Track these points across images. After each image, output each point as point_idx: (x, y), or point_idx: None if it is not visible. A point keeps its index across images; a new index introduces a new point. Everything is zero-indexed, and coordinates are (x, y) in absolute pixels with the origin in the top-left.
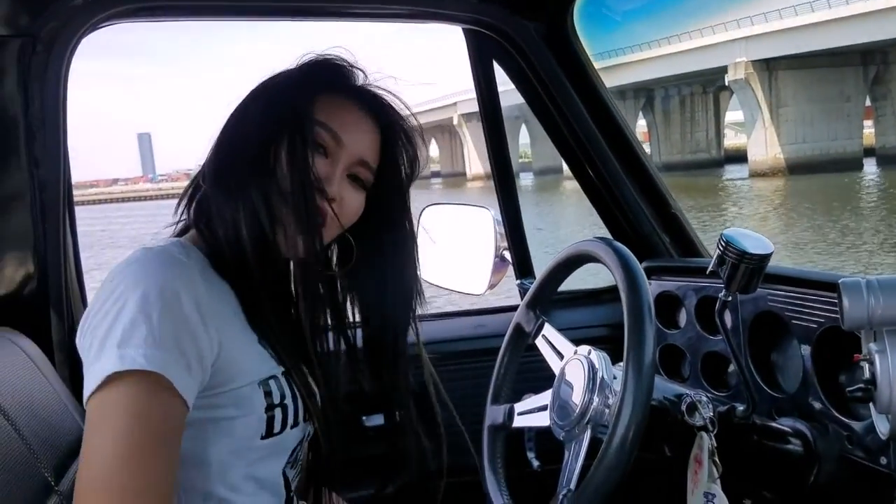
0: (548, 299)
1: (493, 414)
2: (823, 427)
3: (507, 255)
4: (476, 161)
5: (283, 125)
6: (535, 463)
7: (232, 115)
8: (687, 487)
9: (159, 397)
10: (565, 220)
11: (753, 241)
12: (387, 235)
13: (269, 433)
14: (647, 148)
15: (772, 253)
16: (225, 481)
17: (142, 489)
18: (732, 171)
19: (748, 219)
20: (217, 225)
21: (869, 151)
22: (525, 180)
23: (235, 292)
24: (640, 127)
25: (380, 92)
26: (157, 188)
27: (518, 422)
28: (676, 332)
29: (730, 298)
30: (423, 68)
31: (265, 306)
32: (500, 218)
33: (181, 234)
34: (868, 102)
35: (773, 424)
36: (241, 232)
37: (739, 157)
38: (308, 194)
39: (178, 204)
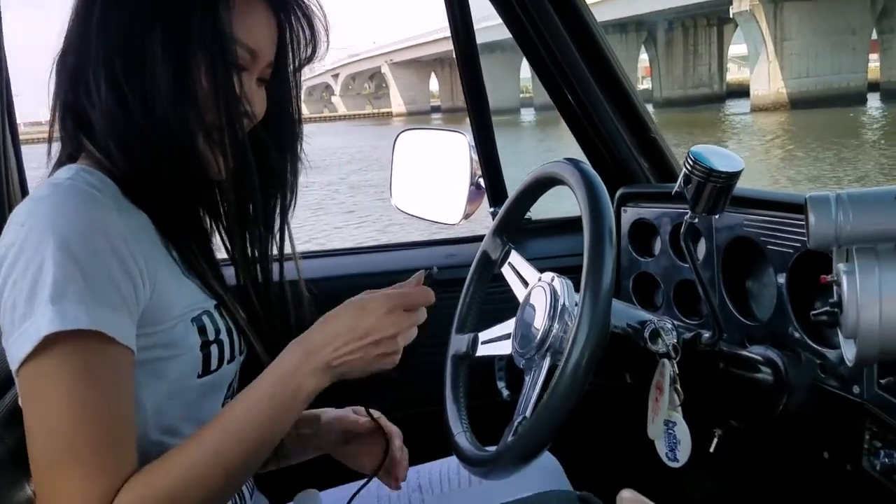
0: (515, 226)
1: (457, 343)
2: (796, 355)
3: (483, 182)
4: None
5: (200, 43)
6: (505, 392)
7: (114, 11)
8: (648, 415)
9: (106, 354)
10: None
11: (722, 157)
12: (277, 126)
13: (206, 371)
14: (648, 83)
15: (741, 170)
16: (161, 425)
17: (108, 445)
18: (734, 106)
19: (745, 153)
20: (124, 147)
21: (873, 86)
22: (526, 116)
23: (154, 221)
24: (643, 61)
25: None
26: (23, 132)
27: (481, 350)
28: (650, 260)
29: (696, 220)
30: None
31: (190, 233)
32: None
33: (69, 160)
34: (874, 35)
35: (743, 353)
36: (157, 153)
37: (742, 91)
38: (238, 122)
39: (55, 126)
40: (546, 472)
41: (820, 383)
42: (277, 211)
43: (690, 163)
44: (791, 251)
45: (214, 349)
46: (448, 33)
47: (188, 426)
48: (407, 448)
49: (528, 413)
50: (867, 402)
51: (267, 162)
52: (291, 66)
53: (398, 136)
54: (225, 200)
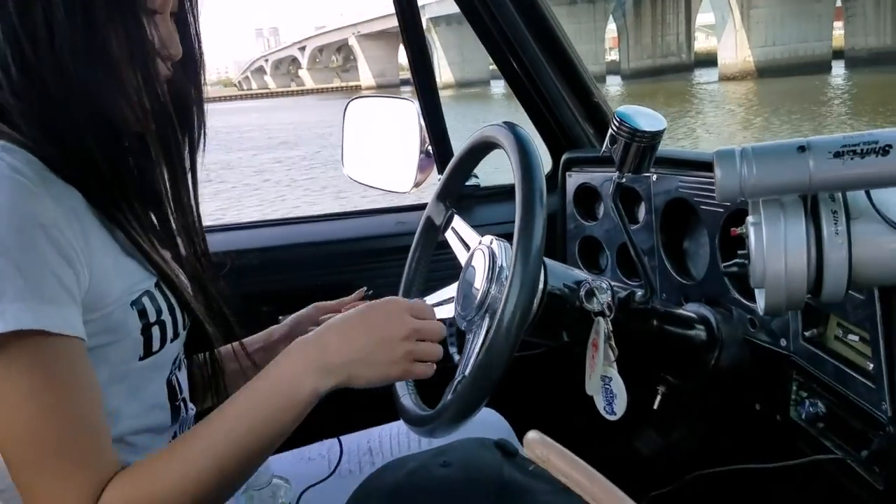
0: (457, 190)
1: None
2: (728, 312)
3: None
4: (447, 69)
5: None
6: (457, 357)
7: None
8: (586, 372)
9: (56, 349)
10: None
11: (647, 117)
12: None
13: (148, 353)
14: (616, 54)
15: (664, 129)
16: (105, 407)
17: (76, 442)
18: (702, 75)
19: (712, 122)
20: (43, 125)
21: (838, 53)
22: (497, 88)
23: (87, 196)
24: (610, 32)
25: None
26: None
27: None
28: (594, 223)
29: (623, 180)
30: None
31: (127, 205)
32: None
33: None
34: (839, 3)
35: (677, 310)
36: (79, 123)
37: (710, 60)
38: (154, 70)
39: None
40: (495, 432)
41: (750, 338)
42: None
43: (616, 123)
44: (722, 210)
45: (156, 330)
46: (421, 2)
47: (130, 407)
48: (358, 413)
49: (466, 372)
50: (793, 355)
51: (182, 100)
52: None
53: (348, 103)
54: (154, 152)
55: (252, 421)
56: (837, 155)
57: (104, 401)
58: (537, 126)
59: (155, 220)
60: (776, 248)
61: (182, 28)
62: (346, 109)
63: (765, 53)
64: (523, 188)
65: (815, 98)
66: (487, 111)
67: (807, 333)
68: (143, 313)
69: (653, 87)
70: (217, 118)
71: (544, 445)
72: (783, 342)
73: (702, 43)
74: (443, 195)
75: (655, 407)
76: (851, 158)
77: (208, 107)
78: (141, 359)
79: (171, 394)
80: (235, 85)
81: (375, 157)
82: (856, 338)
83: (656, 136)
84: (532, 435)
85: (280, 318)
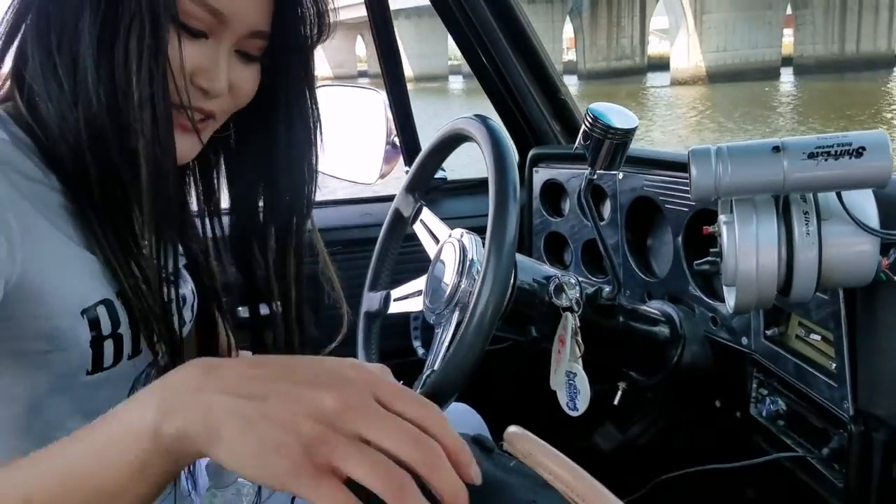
0: (426, 182)
1: (370, 300)
2: (690, 310)
3: (398, 141)
4: (405, 62)
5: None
6: (421, 351)
7: None
8: (551, 367)
9: None
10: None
11: (619, 115)
12: (284, 110)
13: (98, 368)
14: (573, 55)
15: (636, 127)
16: (42, 419)
17: None
18: (655, 79)
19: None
20: (42, 103)
21: (787, 60)
22: (455, 83)
23: (67, 190)
24: (567, 33)
25: None
26: None
27: (394, 308)
28: (560, 220)
29: (594, 177)
30: None
31: (108, 209)
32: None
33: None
34: (789, 11)
35: (642, 307)
36: (77, 121)
37: (662, 64)
38: (161, 90)
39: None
40: (469, 427)
41: (712, 335)
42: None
43: (590, 120)
44: (686, 209)
45: (109, 345)
46: None
47: (76, 421)
48: None
49: (436, 367)
50: (754, 353)
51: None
52: (295, 45)
53: None
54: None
55: (71, 462)
56: (811, 156)
57: (43, 411)
58: (505, 121)
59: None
60: (748, 247)
61: (281, 78)
62: None
63: (716, 59)
64: (497, 181)
65: (765, 103)
66: (447, 106)
67: (768, 332)
68: (94, 324)
69: (608, 88)
70: None
71: (526, 440)
72: (744, 340)
73: (655, 47)
74: (411, 187)
75: (616, 402)
76: (825, 160)
77: None
78: (89, 373)
79: None
80: None
81: (340, 148)
82: (818, 337)
83: (629, 133)
84: (513, 429)
85: (238, 309)
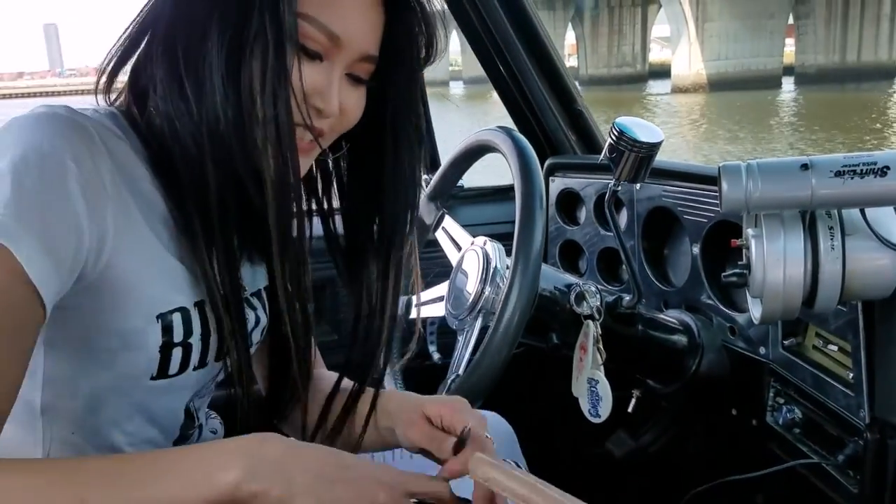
0: (448, 191)
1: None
2: (708, 319)
3: None
4: None
5: (256, 14)
6: (437, 356)
7: None
8: (573, 374)
9: (6, 278)
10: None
11: (645, 129)
12: (391, 132)
13: (163, 374)
14: (574, 61)
15: (661, 141)
16: (100, 415)
17: None
18: (656, 86)
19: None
20: (162, 118)
21: (788, 70)
22: (455, 89)
23: (171, 197)
24: (569, 39)
25: None
26: (65, 83)
27: (415, 313)
28: (576, 228)
29: (619, 188)
30: None
31: (216, 223)
32: None
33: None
34: (791, 20)
35: (660, 316)
36: (202, 136)
37: (663, 72)
38: (285, 110)
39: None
40: (495, 434)
41: (729, 345)
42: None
43: (616, 134)
44: (705, 220)
45: (178, 352)
46: None
47: (132, 422)
48: None
49: (460, 372)
50: (772, 362)
51: (365, 182)
52: (403, 69)
53: None
54: (263, 201)
55: (140, 480)
56: (838, 174)
57: (101, 407)
58: (522, 130)
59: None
60: (776, 260)
61: (392, 101)
62: None
63: (717, 67)
64: (524, 192)
65: (772, 112)
66: (446, 110)
67: (786, 342)
68: (167, 330)
69: (609, 94)
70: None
71: (487, 465)
72: (762, 350)
73: (656, 54)
74: (434, 195)
75: (630, 410)
76: (851, 178)
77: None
78: (153, 378)
79: (186, 422)
80: None
81: None
82: (835, 347)
83: (654, 147)
84: (478, 455)
85: None
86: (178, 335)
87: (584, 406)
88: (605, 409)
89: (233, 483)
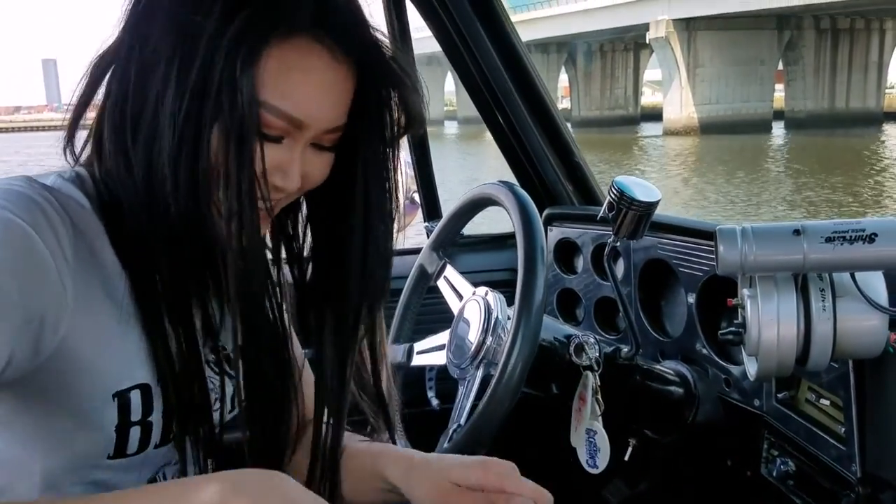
0: (450, 241)
1: (393, 352)
2: (704, 370)
3: (417, 197)
4: None
5: (213, 102)
6: (435, 402)
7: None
8: (571, 424)
9: None
10: (487, 168)
11: (642, 188)
12: (362, 195)
13: (121, 454)
14: (567, 103)
15: (659, 200)
16: (60, 492)
17: None
18: (647, 129)
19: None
20: (113, 188)
21: (778, 114)
22: (450, 129)
23: (129, 269)
24: (562, 82)
25: (350, 21)
26: (61, 118)
27: (417, 360)
28: (573, 277)
29: (618, 244)
30: None
31: (175, 295)
32: (410, 160)
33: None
34: (780, 66)
35: (657, 367)
36: (146, 216)
37: (655, 115)
38: (249, 200)
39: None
40: None
41: (725, 396)
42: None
43: (615, 192)
44: (700, 274)
45: (136, 432)
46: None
47: (94, 490)
48: None
49: (462, 421)
50: (766, 415)
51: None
52: (379, 138)
53: None
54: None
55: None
56: (829, 240)
57: (57, 484)
58: (520, 180)
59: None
60: (770, 320)
61: (360, 170)
62: None
63: (708, 111)
64: (526, 246)
65: (767, 156)
66: (442, 151)
67: (779, 395)
68: (124, 408)
69: (602, 137)
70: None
71: None
72: (756, 402)
73: (648, 98)
74: (436, 245)
75: (626, 458)
76: (841, 244)
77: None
78: (110, 457)
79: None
80: None
81: None
82: (827, 402)
83: (651, 206)
84: None
85: None
86: (136, 414)
87: (582, 456)
88: (603, 460)
89: (218, 498)
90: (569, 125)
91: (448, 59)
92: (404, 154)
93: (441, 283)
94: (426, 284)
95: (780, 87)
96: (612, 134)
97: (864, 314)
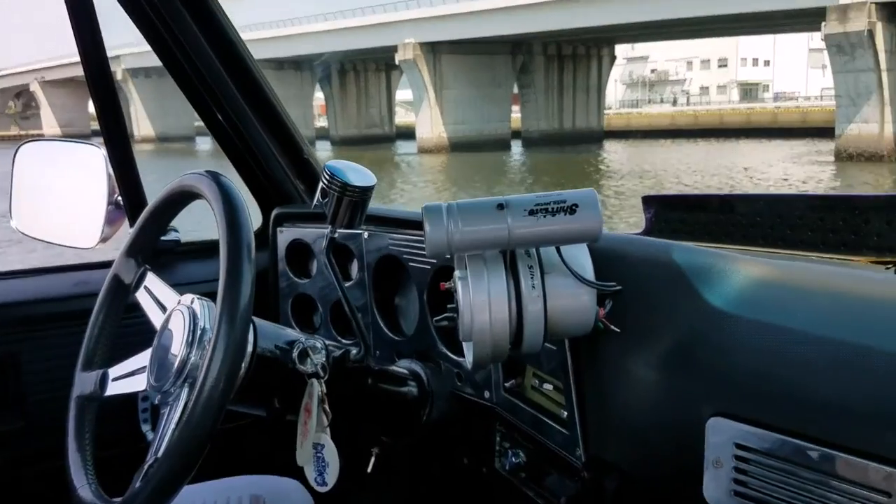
0: (151, 245)
1: (82, 382)
2: (437, 366)
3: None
4: (146, 120)
5: None
6: (150, 435)
7: None
8: (297, 440)
9: None
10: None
11: (357, 172)
12: None
13: None
14: (324, 121)
15: (374, 185)
16: None
17: None
18: (403, 147)
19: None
20: None
21: (516, 134)
22: (203, 144)
23: None
24: (318, 99)
25: None
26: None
27: (112, 389)
28: (307, 281)
29: (336, 234)
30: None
31: None
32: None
33: None
34: (515, 90)
35: (391, 367)
36: None
37: (410, 133)
38: None
39: None
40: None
41: (457, 391)
42: None
43: (327, 177)
44: (428, 267)
45: None
46: (110, 55)
47: None
48: None
49: (160, 454)
50: (497, 406)
51: None
52: None
53: (19, 147)
54: None
55: None
56: (532, 213)
57: None
58: (246, 181)
59: None
60: (481, 302)
61: None
62: (15, 154)
63: (456, 130)
64: (228, 242)
65: (503, 170)
66: (193, 167)
67: (507, 384)
68: None
69: (360, 154)
70: None
71: None
72: (487, 394)
73: (402, 117)
74: (133, 250)
75: (369, 470)
76: (544, 216)
77: None
78: None
79: None
80: None
81: (54, 209)
82: (550, 386)
83: (366, 192)
84: None
85: None
86: None
87: (310, 475)
88: (332, 475)
89: None
90: (327, 143)
91: (156, 53)
92: (104, 150)
93: (141, 295)
94: (124, 298)
95: (517, 108)
96: (370, 151)
97: (573, 290)
